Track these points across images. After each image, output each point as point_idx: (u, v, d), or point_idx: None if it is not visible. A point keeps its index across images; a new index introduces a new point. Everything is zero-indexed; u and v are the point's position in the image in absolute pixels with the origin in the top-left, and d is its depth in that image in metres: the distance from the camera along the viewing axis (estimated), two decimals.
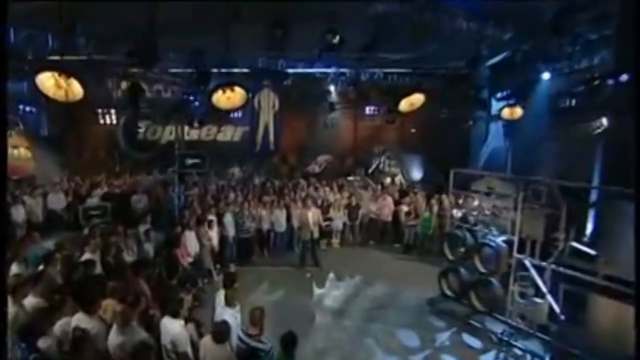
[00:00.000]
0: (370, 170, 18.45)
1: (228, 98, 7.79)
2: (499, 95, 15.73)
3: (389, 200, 13.44)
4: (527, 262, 8.08)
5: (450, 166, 9.43)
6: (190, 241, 9.58)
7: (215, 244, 10.69)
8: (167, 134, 20.34)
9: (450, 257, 9.45)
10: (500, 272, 8.49)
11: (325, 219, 12.80)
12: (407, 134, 18.48)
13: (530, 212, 7.91)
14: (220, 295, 6.16)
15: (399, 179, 17.56)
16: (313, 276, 11.18)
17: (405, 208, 13.17)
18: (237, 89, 7.88)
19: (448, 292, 9.49)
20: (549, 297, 7.75)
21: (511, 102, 11.57)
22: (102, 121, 19.16)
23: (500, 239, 8.57)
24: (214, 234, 10.66)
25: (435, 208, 12.67)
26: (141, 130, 19.88)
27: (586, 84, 11.53)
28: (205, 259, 9.97)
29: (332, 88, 16.97)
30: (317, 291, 10.37)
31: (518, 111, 11.53)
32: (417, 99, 8.64)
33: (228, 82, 7.83)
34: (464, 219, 9.46)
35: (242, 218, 11.48)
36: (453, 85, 16.37)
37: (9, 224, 10.81)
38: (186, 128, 20.06)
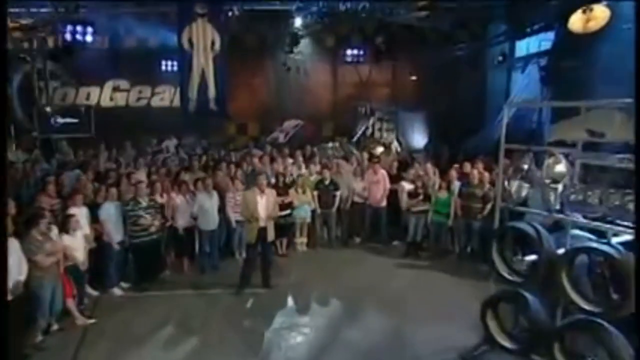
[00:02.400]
0: (355, 138, 13.99)
1: None
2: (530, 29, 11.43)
3: (382, 174, 9.01)
4: None
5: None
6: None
7: (81, 258, 6.25)
8: (83, 97, 15.71)
9: (504, 272, 5.08)
10: (624, 308, 4.15)
11: (283, 206, 8.41)
12: (403, 85, 13.97)
13: None
14: None
15: (394, 147, 13.14)
16: (255, 306, 6.81)
17: (408, 186, 8.76)
18: None
19: (502, 340, 5.15)
20: None
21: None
22: None
23: (618, 240, 4.25)
24: (77, 241, 6.21)
25: (456, 184, 8.32)
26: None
27: None
28: (42, 291, 5.48)
29: (298, 20, 12.52)
30: (265, 337, 5.98)
31: (601, 15, 6.97)
32: None
33: None
34: (526, 201, 5.10)
35: (135, 210, 6.96)
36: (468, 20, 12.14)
37: None
38: (107, 90, 15.77)
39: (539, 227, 4.80)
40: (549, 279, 4.66)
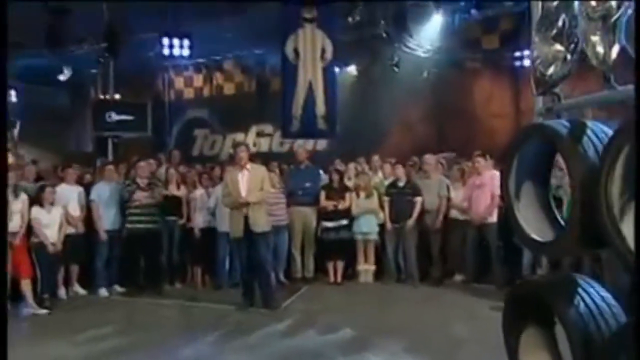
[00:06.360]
0: None
1: None
2: None
3: (491, 175, 6.40)
4: None
5: None
6: None
7: (52, 237, 5.90)
8: (229, 146, 16.82)
9: (530, 230, 2.52)
10: None
11: (336, 214, 6.71)
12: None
13: None
14: None
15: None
16: (228, 325, 5.23)
17: None
18: None
19: None
20: None
21: None
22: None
23: None
24: (50, 216, 5.92)
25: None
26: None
27: None
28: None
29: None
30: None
31: None
32: None
33: None
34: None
35: (127, 188, 6.38)
36: None
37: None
38: (251, 135, 16.53)
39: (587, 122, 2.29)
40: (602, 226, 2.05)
